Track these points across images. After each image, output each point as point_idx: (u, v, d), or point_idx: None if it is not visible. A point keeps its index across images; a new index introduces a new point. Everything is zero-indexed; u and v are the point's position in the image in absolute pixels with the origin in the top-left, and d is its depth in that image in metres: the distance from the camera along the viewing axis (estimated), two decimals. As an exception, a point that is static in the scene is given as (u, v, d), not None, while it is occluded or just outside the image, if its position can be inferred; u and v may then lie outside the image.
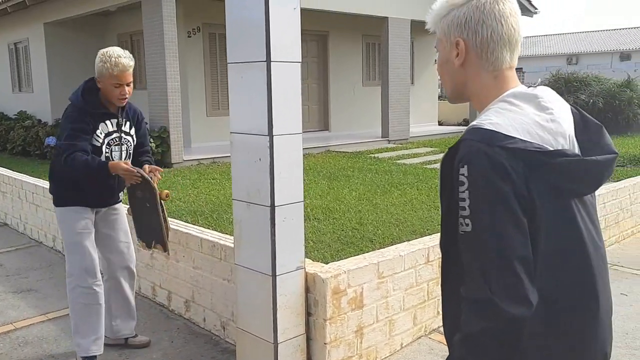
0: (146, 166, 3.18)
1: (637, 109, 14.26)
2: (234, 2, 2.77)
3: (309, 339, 3.01)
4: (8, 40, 14.56)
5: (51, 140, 10.63)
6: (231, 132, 2.89)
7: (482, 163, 1.10)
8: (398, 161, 9.83)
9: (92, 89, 3.11)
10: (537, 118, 1.18)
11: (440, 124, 17.18)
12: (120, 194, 3.40)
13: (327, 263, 3.29)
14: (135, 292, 3.59)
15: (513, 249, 1.09)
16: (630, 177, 6.60)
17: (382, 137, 12.74)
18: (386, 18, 12.34)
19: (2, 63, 15.06)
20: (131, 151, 3.30)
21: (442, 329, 3.51)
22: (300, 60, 2.77)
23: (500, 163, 1.10)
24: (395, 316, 3.31)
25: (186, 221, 4.85)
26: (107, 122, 3.15)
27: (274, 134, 2.68)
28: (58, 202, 3.24)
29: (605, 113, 14.06)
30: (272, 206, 2.73)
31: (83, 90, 3.11)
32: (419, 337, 3.46)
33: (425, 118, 16.10)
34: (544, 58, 33.67)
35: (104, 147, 3.14)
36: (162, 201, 3.16)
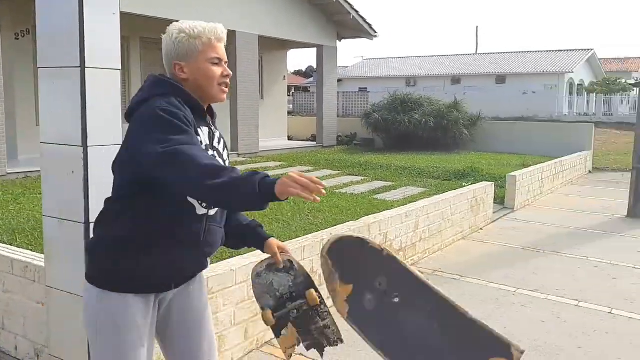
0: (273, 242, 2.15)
1: (462, 128, 15.75)
2: (44, 0, 2.57)
3: (130, 362, 2.84)
4: None
5: None
6: (41, 142, 2.67)
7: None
8: (245, 175, 9.81)
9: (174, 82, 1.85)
10: None
11: (290, 139, 17.56)
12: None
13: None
14: None
15: None
16: (453, 189, 7.26)
17: (231, 151, 12.65)
18: (234, 32, 12.35)
19: None
20: None
21: (274, 340, 3.53)
22: (120, 68, 2.64)
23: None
24: (226, 332, 3.26)
25: (1, 241, 4.37)
26: (200, 129, 1.84)
27: (88, 144, 2.52)
28: (98, 281, 1.83)
29: (436, 132, 15.37)
30: (87, 222, 2.54)
31: (168, 85, 1.82)
32: (251, 351, 3.44)
33: (275, 132, 16.35)
34: (386, 79, 36.00)
35: None
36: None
